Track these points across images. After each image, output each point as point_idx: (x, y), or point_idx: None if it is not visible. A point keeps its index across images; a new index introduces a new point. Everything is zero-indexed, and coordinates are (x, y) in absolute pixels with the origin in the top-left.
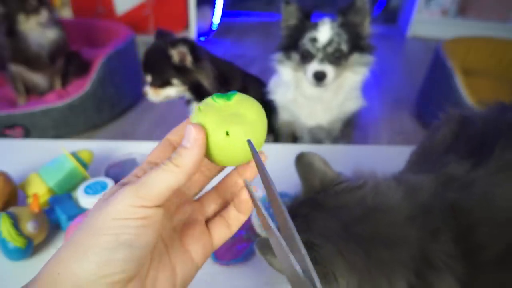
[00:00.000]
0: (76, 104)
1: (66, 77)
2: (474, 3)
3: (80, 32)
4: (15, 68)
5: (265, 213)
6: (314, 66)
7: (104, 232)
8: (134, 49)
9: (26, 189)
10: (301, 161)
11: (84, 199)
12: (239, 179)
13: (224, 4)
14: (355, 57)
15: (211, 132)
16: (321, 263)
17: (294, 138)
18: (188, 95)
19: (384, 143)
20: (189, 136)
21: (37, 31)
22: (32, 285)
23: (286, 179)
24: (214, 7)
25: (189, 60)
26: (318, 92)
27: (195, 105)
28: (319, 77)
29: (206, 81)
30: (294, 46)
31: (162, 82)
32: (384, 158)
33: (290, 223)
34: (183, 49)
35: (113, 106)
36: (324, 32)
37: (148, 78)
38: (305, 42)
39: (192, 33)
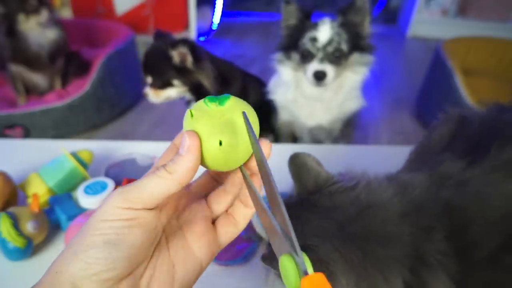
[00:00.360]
0: (76, 104)
1: (66, 77)
2: (474, 3)
3: (80, 32)
4: (15, 68)
5: (259, 195)
6: (314, 66)
7: (92, 232)
8: (134, 49)
9: (26, 189)
10: (295, 162)
11: (84, 199)
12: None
13: (224, 4)
14: (355, 57)
15: (204, 140)
16: (321, 263)
17: (294, 138)
18: (188, 95)
19: (384, 143)
20: (184, 144)
21: (37, 31)
22: (37, 286)
23: (286, 179)
24: (214, 7)
25: (189, 60)
26: (318, 92)
27: (187, 109)
28: (319, 76)
29: (206, 82)
30: (294, 46)
31: (162, 83)
32: (384, 158)
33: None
34: (184, 49)
35: (113, 106)
36: (324, 31)
37: (149, 80)
38: (305, 41)
39: (192, 33)
